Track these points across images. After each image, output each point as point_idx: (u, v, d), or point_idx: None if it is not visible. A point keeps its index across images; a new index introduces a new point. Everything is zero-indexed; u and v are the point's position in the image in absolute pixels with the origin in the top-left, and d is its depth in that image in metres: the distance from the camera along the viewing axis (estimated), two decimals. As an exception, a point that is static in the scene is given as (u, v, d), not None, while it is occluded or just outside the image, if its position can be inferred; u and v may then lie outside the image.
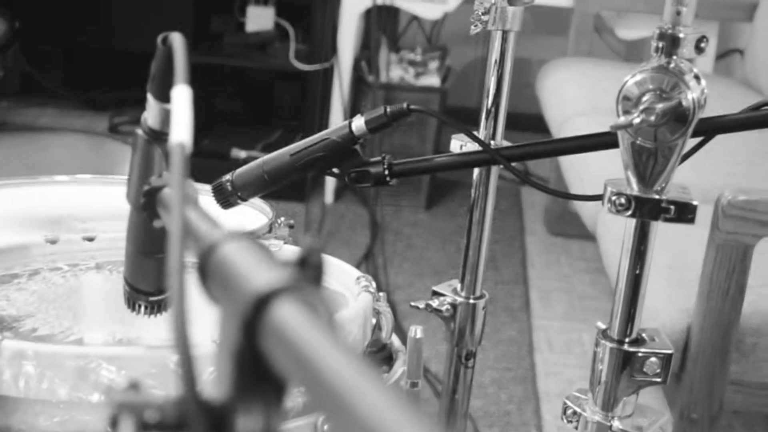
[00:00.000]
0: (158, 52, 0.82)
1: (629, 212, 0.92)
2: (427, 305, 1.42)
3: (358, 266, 2.66)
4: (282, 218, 1.46)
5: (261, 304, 0.47)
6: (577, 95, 3.13)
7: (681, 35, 0.90)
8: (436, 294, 1.44)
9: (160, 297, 0.91)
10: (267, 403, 0.48)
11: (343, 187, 3.62)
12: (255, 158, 1.18)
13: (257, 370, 0.48)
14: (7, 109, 3.96)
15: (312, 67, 3.57)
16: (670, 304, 1.86)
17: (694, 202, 0.92)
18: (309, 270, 0.54)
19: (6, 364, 0.88)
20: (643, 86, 0.90)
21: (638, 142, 0.91)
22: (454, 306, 1.42)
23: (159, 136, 0.85)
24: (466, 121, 1.35)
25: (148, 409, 0.52)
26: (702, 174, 2.36)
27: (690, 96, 0.89)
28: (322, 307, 0.45)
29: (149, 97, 0.84)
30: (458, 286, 1.42)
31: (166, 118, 0.84)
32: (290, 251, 1.17)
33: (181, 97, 0.69)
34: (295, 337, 0.43)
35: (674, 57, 0.90)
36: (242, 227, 1.35)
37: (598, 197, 1.14)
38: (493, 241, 1.42)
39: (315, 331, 0.42)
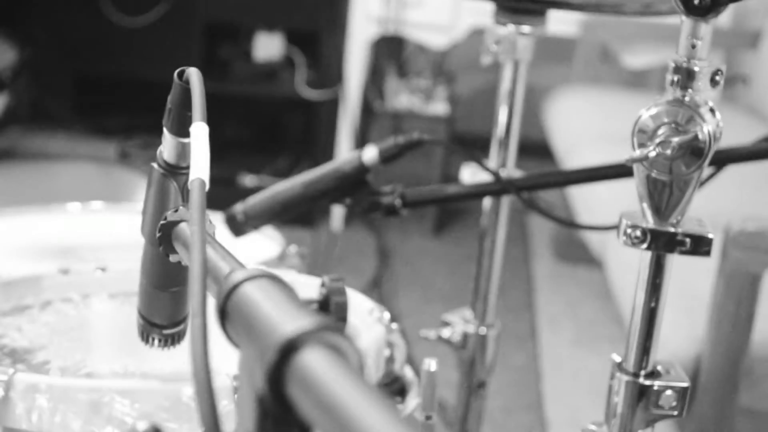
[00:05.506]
0: (174, 86, 0.82)
1: (645, 245, 0.92)
2: (438, 335, 1.42)
3: (365, 293, 2.65)
4: (293, 246, 1.46)
5: (287, 350, 0.45)
6: (583, 123, 3.13)
7: (696, 68, 0.90)
8: (446, 323, 1.43)
9: (173, 330, 0.90)
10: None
11: (351, 214, 3.62)
12: (262, 185, 1.19)
13: (281, 416, 0.47)
14: (16, 136, 3.97)
15: (320, 95, 3.58)
16: (679, 332, 1.86)
17: (710, 236, 0.92)
18: (333, 310, 0.54)
19: (19, 398, 0.88)
20: (658, 119, 0.90)
21: (653, 174, 0.90)
22: (465, 336, 1.41)
23: (175, 171, 0.85)
24: (474, 148, 1.35)
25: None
26: (708, 201, 2.35)
27: (706, 129, 0.89)
28: (351, 351, 0.44)
29: (165, 131, 0.84)
30: (469, 314, 1.42)
31: (182, 152, 0.84)
32: (309, 285, 1.16)
33: (200, 134, 0.69)
34: (323, 386, 0.42)
35: (689, 90, 0.90)
36: (258, 260, 1.35)
37: (608, 227, 1.14)
38: (499, 266, 1.42)
39: (344, 379, 0.41)
